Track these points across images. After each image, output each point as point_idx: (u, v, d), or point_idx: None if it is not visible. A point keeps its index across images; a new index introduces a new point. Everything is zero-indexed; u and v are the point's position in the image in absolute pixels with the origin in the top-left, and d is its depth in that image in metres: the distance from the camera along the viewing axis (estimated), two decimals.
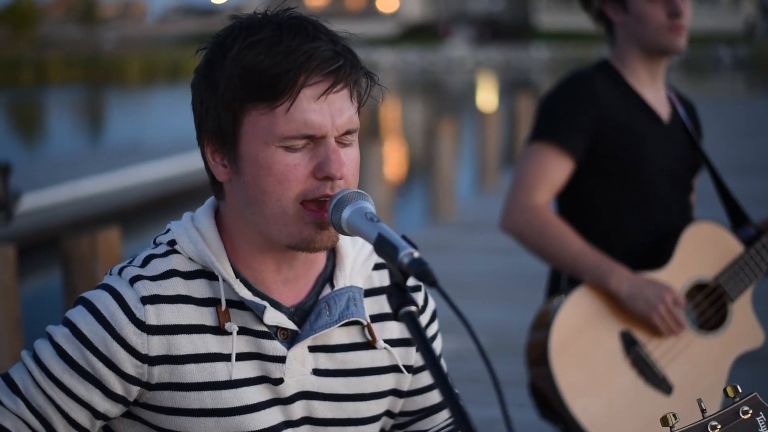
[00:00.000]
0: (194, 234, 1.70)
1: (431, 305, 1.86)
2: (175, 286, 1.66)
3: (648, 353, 2.85)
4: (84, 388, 1.64)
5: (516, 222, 2.97)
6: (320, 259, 1.75)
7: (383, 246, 1.47)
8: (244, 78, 1.60)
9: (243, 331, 1.67)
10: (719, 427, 1.60)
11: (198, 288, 1.67)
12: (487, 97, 40.56)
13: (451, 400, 1.34)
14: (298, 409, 1.71)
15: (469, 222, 11.05)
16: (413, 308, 1.42)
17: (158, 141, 20.15)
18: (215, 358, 1.66)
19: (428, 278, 1.40)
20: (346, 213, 1.57)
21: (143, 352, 1.63)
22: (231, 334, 1.66)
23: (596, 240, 2.97)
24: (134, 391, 1.66)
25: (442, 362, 1.78)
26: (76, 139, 27.05)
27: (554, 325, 2.81)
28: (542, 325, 2.87)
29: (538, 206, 2.94)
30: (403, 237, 1.47)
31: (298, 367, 1.69)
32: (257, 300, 1.67)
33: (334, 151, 1.61)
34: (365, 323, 1.76)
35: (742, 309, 2.96)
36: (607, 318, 2.86)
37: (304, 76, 1.58)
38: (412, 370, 1.83)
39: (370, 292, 1.79)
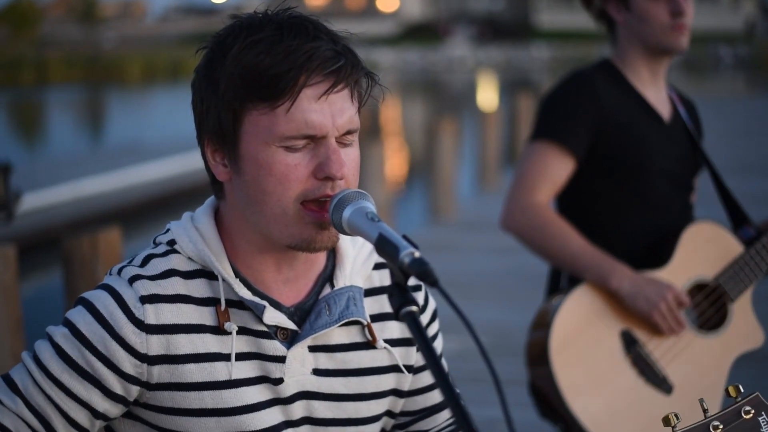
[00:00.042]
0: (194, 234, 1.70)
1: (432, 305, 1.86)
2: (175, 286, 1.66)
3: (648, 353, 2.85)
4: (83, 387, 1.64)
5: (517, 221, 2.97)
6: (320, 258, 1.75)
7: (384, 246, 1.47)
8: (244, 77, 1.60)
9: (242, 330, 1.67)
10: (721, 427, 1.60)
11: (197, 288, 1.67)
12: (487, 96, 40.57)
13: (452, 400, 1.34)
14: (298, 409, 1.71)
15: (470, 221, 11.05)
16: (414, 308, 1.42)
17: (159, 141, 20.16)
18: (215, 358, 1.66)
19: (429, 278, 1.40)
20: (346, 213, 1.57)
21: (142, 352, 1.63)
22: (230, 333, 1.66)
23: (596, 239, 2.97)
24: (134, 390, 1.66)
25: (443, 362, 1.77)
26: (77, 139, 27.05)
27: (554, 324, 2.80)
28: (542, 324, 2.87)
29: (539, 205, 2.94)
30: (404, 237, 1.47)
31: (298, 367, 1.69)
32: (257, 300, 1.67)
33: (334, 151, 1.61)
34: (365, 323, 1.75)
35: (742, 309, 2.96)
36: (608, 317, 2.86)
37: (304, 76, 1.58)
38: (413, 369, 1.83)
39: (370, 292, 1.79)
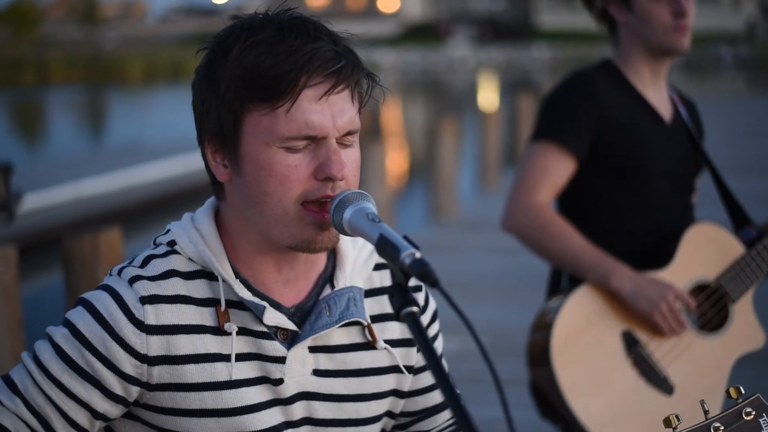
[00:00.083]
0: (194, 234, 1.70)
1: (432, 305, 1.86)
2: (175, 287, 1.66)
3: (650, 353, 2.85)
4: (83, 388, 1.64)
5: (518, 221, 2.97)
6: (321, 259, 1.75)
7: (385, 246, 1.47)
8: (245, 78, 1.60)
9: (242, 331, 1.67)
10: (722, 428, 1.60)
11: (197, 288, 1.67)
12: (488, 96, 40.57)
13: (452, 401, 1.34)
14: (298, 410, 1.71)
15: (470, 222, 11.05)
16: (415, 309, 1.42)
17: (159, 141, 20.17)
18: (215, 359, 1.65)
19: (430, 279, 1.40)
20: (347, 213, 1.57)
21: (142, 352, 1.63)
22: (230, 334, 1.66)
23: (596, 240, 2.97)
24: (134, 391, 1.66)
25: (443, 362, 1.77)
26: (78, 140, 27.06)
27: (556, 324, 2.80)
28: (543, 324, 2.87)
29: (539, 205, 2.94)
30: (405, 237, 1.47)
31: (298, 368, 1.69)
32: (257, 300, 1.66)
33: (335, 152, 1.61)
34: (365, 324, 1.75)
35: (743, 310, 2.96)
36: (609, 318, 2.86)
37: (305, 76, 1.58)
38: (413, 370, 1.83)
39: (371, 293, 1.78)
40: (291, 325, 1.69)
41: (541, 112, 3.05)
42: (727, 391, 1.62)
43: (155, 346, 1.63)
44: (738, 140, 17.25)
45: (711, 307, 2.95)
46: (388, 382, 1.79)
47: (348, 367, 1.74)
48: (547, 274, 3.18)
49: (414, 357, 1.82)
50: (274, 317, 1.67)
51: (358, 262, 1.77)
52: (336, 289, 1.73)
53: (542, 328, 2.86)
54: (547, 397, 2.85)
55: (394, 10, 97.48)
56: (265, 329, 1.68)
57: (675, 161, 3.02)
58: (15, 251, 3.85)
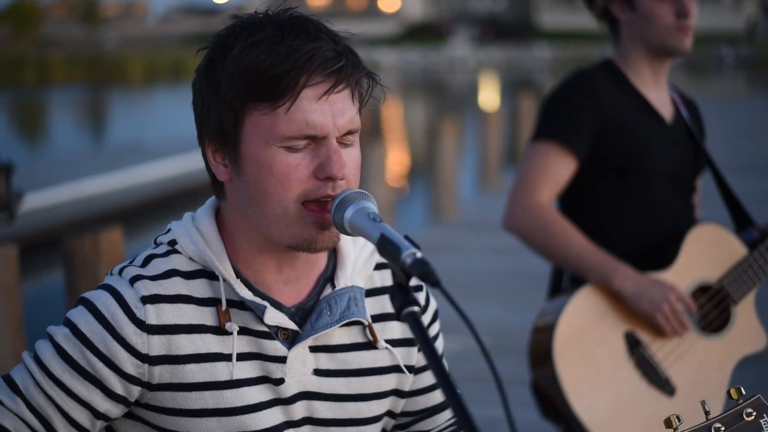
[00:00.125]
0: (195, 234, 1.70)
1: (433, 305, 1.86)
2: (176, 286, 1.66)
3: (652, 354, 2.85)
4: (84, 388, 1.64)
5: (519, 221, 2.96)
6: (321, 259, 1.75)
7: (386, 246, 1.47)
8: (245, 78, 1.59)
9: (243, 331, 1.67)
10: (723, 429, 1.59)
11: (198, 288, 1.67)
12: (489, 96, 40.57)
13: (453, 400, 1.34)
14: (299, 410, 1.70)
15: (471, 222, 11.06)
16: (416, 308, 1.42)
17: (160, 141, 20.17)
18: (216, 358, 1.65)
19: (431, 278, 1.40)
20: (348, 213, 1.56)
21: (143, 352, 1.63)
22: (231, 334, 1.66)
23: (597, 240, 2.97)
24: (135, 391, 1.66)
25: (444, 362, 1.77)
26: (79, 139, 27.07)
27: (558, 324, 2.80)
28: (545, 325, 2.86)
29: (541, 205, 2.93)
30: (406, 237, 1.47)
31: (299, 368, 1.69)
32: (258, 300, 1.66)
33: (335, 151, 1.61)
34: (366, 323, 1.75)
35: (745, 312, 2.96)
36: (612, 318, 2.86)
37: (305, 76, 1.58)
38: (414, 370, 1.83)
39: (372, 292, 1.78)
40: (292, 325, 1.69)
41: (542, 111, 3.05)
42: (728, 392, 1.62)
43: (156, 345, 1.63)
44: (738, 140, 17.25)
45: (713, 308, 2.95)
46: (388, 381, 1.79)
47: (349, 366, 1.74)
48: (548, 274, 3.18)
49: (415, 357, 1.82)
50: (274, 317, 1.67)
51: (359, 262, 1.77)
52: (337, 288, 1.73)
53: (544, 328, 2.86)
54: (549, 398, 2.85)
55: (395, 10, 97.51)
56: (265, 329, 1.68)
57: (675, 161, 3.02)
58: (16, 251, 3.85)
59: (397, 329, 1.80)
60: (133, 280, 1.65)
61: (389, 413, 1.82)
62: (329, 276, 1.75)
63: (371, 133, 21.67)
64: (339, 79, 1.60)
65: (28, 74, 59.67)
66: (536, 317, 2.95)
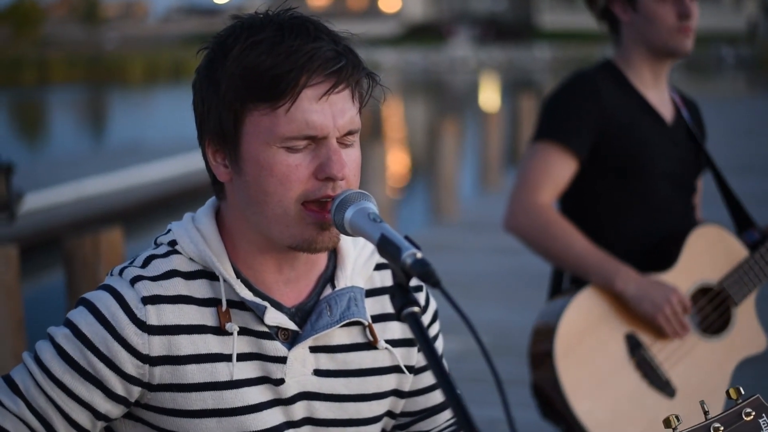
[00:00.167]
0: (195, 234, 1.70)
1: (433, 305, 1.86)
2: (176, 287, 1.66)
3: (652, 356, 2.85)
4: (85, 388, 1.64)
5: (520, 221, 2.96)
6: (321, 259, 1.75)
7: (386, 246, 1.47)
8: (245, 78, 1.60)
9: (244, 331, 1.67)
10: (722, 428, 1.59)
11: (199, 288, 1.67)
12: (489, 96, 40.56)
13: (453, 401, 1.34)
14: (299, 410, 1.71)
15: (472, 222, 11.05)
16: (416, 309, 1.42)
17: (160, 141, 20.17)
18: (216, 359, 1.66)
19: (431, 279, 1.40)
20: (349, 213, 1.57)
21: (144, 353, 1.63)
22: (232, 334, 1.66)
23: (597, 240, 2.97)
24: (135, 391, 1.66)
25: (444, 362, 1.77)
26: (79, 139, 27.06)
27: (559, 325, 2.80)
28: (546, 325, 2.86)
29: (542, 205, 2.93)
30: (406, 237, 1.47)
31: (299, 368, 1.69)
32: (258, 300, 1.66)
33: (335, 151, 1.61)
34: (366, 323, 1.75)
35: (745, 313, 2.95)
36: (612, 320, 2.85)
37: (305, 76, 1.58)
38: (414, 370, 1.83)
39: (372, 293, 1.79)
40: (292, 325, 1.69)
41: (543, 112, 3.05)
42: (727, 392, 1.62)
43: (157, 346, 1.64)
44: (739, 140, 17.24)
45: (714, 310, 2.95)
46: (388, 382, 1.79)
47: (349, 367, 1.74)
48: (549, 275, 3.18)
49: (415, 357, 1.82)
50: (275, 317, 1.67)
51: (359, 262, 1.77)
52: (337, 289, 1.73)
53: (545, 330, 2.86)
54: (549, 399, 2.85)
55: (396, 10, 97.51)
56: (266, 329, 1.68)
57: (676, 162, 3.02)
58: (16, 251, 3.85)
59: (397, 329, 1.80)
60: (134, 280, 1.65)
61: (389, 413, 1.83)
62: (329, 276, 1.75)
63: (371, 134, 21.66)
64: (339, 80, 1.60)
65: (28, 74, 59.70)
66: (536, 318, 2.95)
